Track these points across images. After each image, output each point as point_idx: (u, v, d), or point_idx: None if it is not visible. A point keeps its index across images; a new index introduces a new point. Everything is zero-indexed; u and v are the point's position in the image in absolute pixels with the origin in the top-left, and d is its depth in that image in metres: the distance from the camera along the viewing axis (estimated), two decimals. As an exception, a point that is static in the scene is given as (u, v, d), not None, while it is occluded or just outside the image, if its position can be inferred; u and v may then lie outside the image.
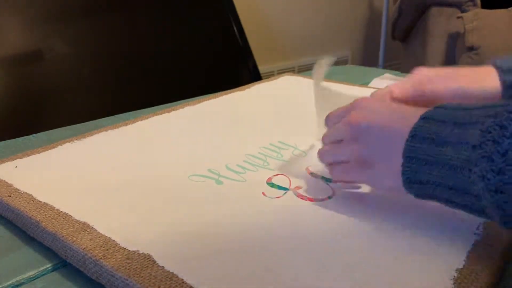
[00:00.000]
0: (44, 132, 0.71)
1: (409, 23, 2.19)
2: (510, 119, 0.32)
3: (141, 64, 1.45)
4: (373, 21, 2.80)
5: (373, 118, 0.43)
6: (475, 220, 0.42)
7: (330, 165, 0.49)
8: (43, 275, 0.40)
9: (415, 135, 0.38)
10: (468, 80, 0.51)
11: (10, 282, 0.39)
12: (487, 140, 0.33)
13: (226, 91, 0.85)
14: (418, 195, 0.40)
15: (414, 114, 0.39)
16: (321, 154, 0.49)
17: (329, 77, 0.97)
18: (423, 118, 0.38)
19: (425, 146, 0.37)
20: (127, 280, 0.35)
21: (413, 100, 0.51)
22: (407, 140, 0.38)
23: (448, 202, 0.38)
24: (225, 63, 1.67)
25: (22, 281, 0.39)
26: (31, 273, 0.40)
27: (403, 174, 0.39)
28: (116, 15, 1.43)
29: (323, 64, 0.59)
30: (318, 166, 0.54)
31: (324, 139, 0.50)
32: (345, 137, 0.46)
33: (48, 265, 0.41)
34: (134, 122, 0.68)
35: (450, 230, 0.41)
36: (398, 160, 0.39)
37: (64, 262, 0.41)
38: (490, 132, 0.33)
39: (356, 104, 0.46)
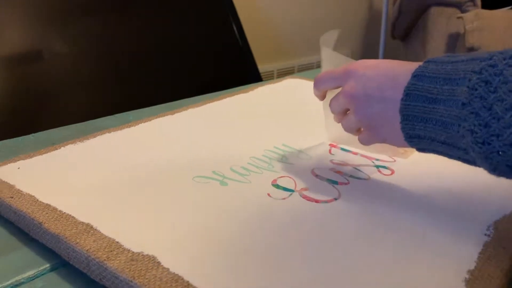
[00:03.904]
0: (43, 132, 0.71)
1: (409, 23, 2.19)
2: (494, 74, 0.34)
3: (141, 64, 1.45)
4: (373, 21, 2.80)
5: (369, 86, 0.44)
6: (486, 221, 0.42)
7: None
8: (42, 274, 0.39)
9: (408, 94, 0.40)
10: None
11: (10, 281, 0.38)
12: (474, 98, 0.35)
13: (230, 93, 0.84)
14: (419, 149, 0.42)
15: (406, 72, 0.41)
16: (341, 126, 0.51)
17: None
18: (415, 76, 0.40)
19: (419, 104, 0.39)
20: (131, 282, 0.35)
21: None
22: (401, 100, 0.40)
23: (445, 154, 0.40)
24: (225, 63, 1.67)
25: (22, 280, 0.39)
26: (31, 272, 0.39)
27: (402, 130, 0.41)
28: (116, 15, 1.43)
29: (331, 35, 0.59)
30: (323, 169, 0.54)
31: (331, 108, 0.51)
32: (348, 107, 0.48)
33: (48, 265, 0.40)
34: (137, 123, 0.68)
35: (460, 231, 0.41)
36: (396, 120, 0.42)
37: (63, 261, 0.41)
38: (476, 89, 0.35)
39: (351, 73, 0.47)
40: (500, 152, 0.34)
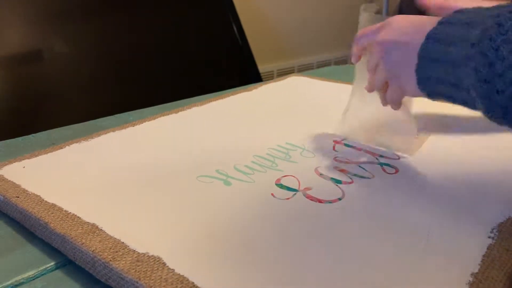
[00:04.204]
0: (43, 132, 0.71)
1: (409, 23, 2.19)
2: (508, 18, 0.35)
3: (141, 64, 1.45)
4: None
5: (397, 33, 0.47)
6: (490, 223, 0.42)
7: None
8: (42, 274, 0.39)
9: (429, 37, 0.42)
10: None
11: (10, 282, 0.38)
12: (484, 39, 0.36)
13: (233, 92, 0.85)
14: (428, 93, 0.44)
15: (433, 21, 0.43)
16: (371, 85, 0.54)
17: (329, 76, 0.98)
18: (440, 23, 0.42)
19: (435, 47, 0.41)
20: (137, 283, 0.35)
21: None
22: (422, 44, 0.42)
23: (449, 98, 0.42)
24: (225, 63, 1.67)
25: (22, 281, 0.39)
26: (31, 272, 0.39)
27: (416, 72, 0.43)
28: (115, 15, 1.43)
29: (371, 7, 0.60)
30: (327, 167, 0.54)
31: (368, 64, 0.54)
32: (378, 60, 0.50)
33: (48, 265, 0.40)
34: (141, 122, 0.68)
35: (464, 233, 0.41)
36: (414, 64, 0.44)
37: (64, 261, 0.41)
38: (488, 31, 0.36)
39: (385, 24, 0.50)
40: (499, 91, 0.35)
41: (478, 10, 0.40)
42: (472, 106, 0.39)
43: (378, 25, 0.52)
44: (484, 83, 0.36)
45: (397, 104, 0.53)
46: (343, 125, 0.65)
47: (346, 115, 0.65)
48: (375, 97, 0.56)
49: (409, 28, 0.46)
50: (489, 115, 0.37)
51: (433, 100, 0.45)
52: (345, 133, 0.64)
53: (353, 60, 0.58)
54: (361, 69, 0.60)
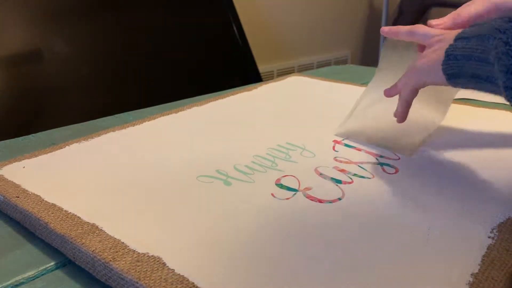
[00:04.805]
0: (43, 132, 0.71)
1: (409, 23, 2.19)
2: None
3: (141, 64, 1.45)
4: (373, 21, 2.80)
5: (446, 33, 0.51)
6: (490, 224, 0.42)
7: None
8: (42, 275, 0.39)
9: (474, 24, 0.45)
10: None
11: (10, 282, 0.38)
12: (508, 29, 0.38)
13: (233, 92, 0.85)
14: (451, 76, 0.46)
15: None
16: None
17: (329, 76, 0.98)
18: (472, 25, 0.46)
19: (474, 28, 0.44)
20: (137, 283, 0.35)
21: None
22: (463, 30, 0.46)
23: (474, 77, 0.43)
24: (225, 63, 1.67)
25: (22, 281, 0.39)
26: (31, 273, 0.39)
27: (445, 52, 0.46)
28: (115, 15, 1.43)
29: None
30: (327, 167, 0.54)
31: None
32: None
33: (48, 265, 0.40)
34: (141, 122, 0.68)
35: (464, 233, 0.41)
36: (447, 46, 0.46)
37: (64, 261, 0.41)
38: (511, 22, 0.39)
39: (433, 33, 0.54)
40: None
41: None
42: (496, 83, 0.41)
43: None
44: (506, 74, 0.37)
45: (410, 99, 0.55)
46: (347, 123, 0.65)
47: (353, 113, 0.65)
48: (386, 98, 0.58)
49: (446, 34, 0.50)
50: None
51: (451, 84, 0.47)
52: (348, 131, 0.64)
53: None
54: (384, 70, 0.63)
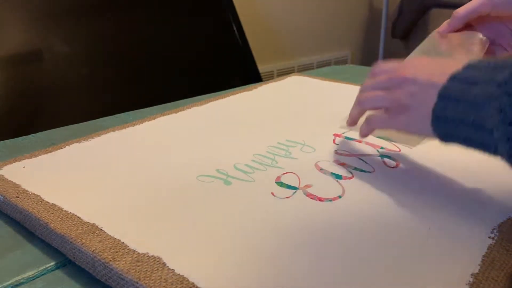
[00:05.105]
0: (43, 132, 0.71)
1: (409, 23, 2.19)
2: None
3: (141, 64, 1.45)
4: (373, 20, 2.80)
5: (419, 71, 0.46)
6: (490, 224, 0.42)
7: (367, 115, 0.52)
8: (42, 274, 0.39)
9: (453, 78, 0.41)
10: None
11: (10, 282, 0.38)
12: (500, 95, 0.36)
13: (233, 92, 0.85)
14: (443, 136, 0.42)
15: (458, 64, 0.42)
16: (363, 99, 0.51)
17: (329, 76, 0.98)
18: (465, 66, 0.41)
19: (458, 86, 0.40)
20: (137, 283, 0.35)
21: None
22: (444, 84, 0.41)
23: (467, 141, 0.40)
24: (225, 63, 1.67)
25: (22, 281, 0.39)
26: (31, 272, 0.39)
27: (433, 112, 0.41)
28: (115, 15, 1.43)
29: None
30: (327, 162, 0.54)
31: (365, 87, 0.52)
32: (390, 86, 0.48)
33: (48, 265, 0.40)
34: (141, 122, 0.68)
35: (464, 233, 0.41)
36: (432, 104, 0.42)
37: (64, 261, 0.41)
38: None
39: (406, 62, 0.49)
40: None
41: (506, 57, 0.40)
42: (492, 149, 0.38)
43: (394, 65, 0.50)
44: (509, 126, 0.35)
45: (370, 133, 0.52)
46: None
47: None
48: None
49: (433, 68, 0.45)
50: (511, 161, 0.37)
51: (443, 142, 0.43)
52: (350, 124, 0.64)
53: (349, 120, 0.55)
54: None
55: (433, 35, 0.60)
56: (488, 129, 0.37)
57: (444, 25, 0.58)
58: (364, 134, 0.52)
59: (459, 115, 0.39)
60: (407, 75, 0.46)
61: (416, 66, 0.47)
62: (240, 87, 0.89)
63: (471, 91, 0.39)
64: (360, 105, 0.52)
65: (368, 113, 0.52)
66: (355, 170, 0.52)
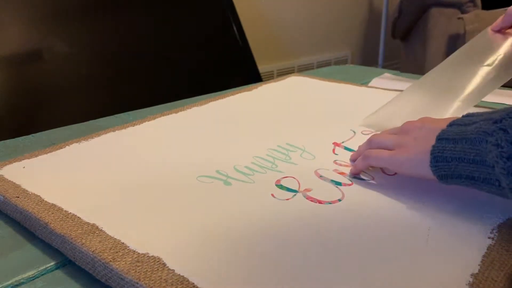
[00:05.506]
0: (43, 132, 0.71)
1: (409, 23, 2.19)
2: None
3: (141, 64, 1.45)
4: (373, 21, 2.80)
5: (428, 120, 0.49)
6: (490, 224, 0.42)
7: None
8: (42, 274, 0.39)
9: (451, 124, 0.44)
10: None
11: (10, 282, 0.38)
12: (507, 117, 0.38)
13: (233, 92, 0.85)
14: (442, 176, 0.43)
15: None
16: (371, 141, 0.54)
17: (329, 76, 0.98)
18: (466, 114, 0.44)
19: (456, 129, 0.43)
20: (137, 283, 0.35)
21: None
22: (444, 128, 0.44)
23: (469, 179, 0.41)
24: (225, 63, 1.67)
25: (22, 281, 0.39)
26: (31, 272, 0.39)
27: (431, 153, 0.43)
28: (115, 14, 1.43)
29: None
30: (327, 169, 0.54)
31: (373, 141, 0.54)
32: (399, 132, 0.52)
33: (48, 265, 0.40)
34: (141, 122, 0.68)
35: (464, 234, 0.41)
36: (430, 147, 0.44)
37: (64, 261, 0.41)
38: (509, 113, 0.38)
39: (415, 121, 0.51)
40: None
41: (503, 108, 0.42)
42: (496, 184, 0.39)
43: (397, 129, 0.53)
44: (508, 160, 0.36)
45: (365, 169, 0.53)
46: (374, 115, 0.68)
47: (383, 107, 0.68)
48: (419, 100, 0.61)
49: (437, 120, 0.48)
50: None
51: (444, 183, 0.44)
52: (372, 123, 0.66)
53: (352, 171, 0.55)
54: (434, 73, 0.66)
55: (487, 31, 0.62)
56: (491, 166, 0.38)
57: (498, 21, 0.59)
58: (358, 169, 0.53)
59: (458, 154, 0.41)
60: (417, 123, 0.49)
61: (429, 118, 0.50)
62: (240, 87, 0.89)
63: (467, 129, 0.41)
64: (366, 160, 0.52)
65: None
66: (354, 179, 0.52)
